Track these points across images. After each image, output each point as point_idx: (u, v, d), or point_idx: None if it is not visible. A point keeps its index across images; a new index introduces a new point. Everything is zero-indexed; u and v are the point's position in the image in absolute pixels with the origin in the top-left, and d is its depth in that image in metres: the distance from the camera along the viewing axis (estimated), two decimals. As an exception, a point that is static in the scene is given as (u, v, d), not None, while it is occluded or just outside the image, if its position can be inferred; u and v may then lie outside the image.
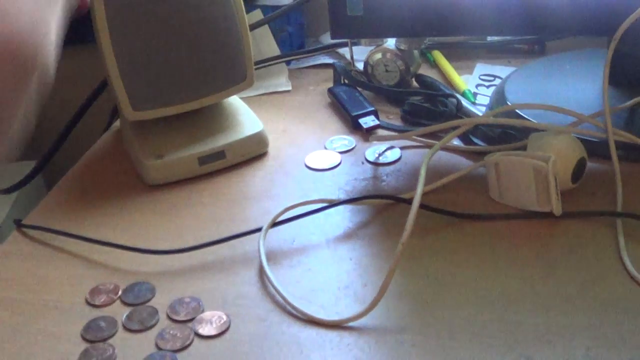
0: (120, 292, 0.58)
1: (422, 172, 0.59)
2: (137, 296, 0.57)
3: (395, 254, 0.53)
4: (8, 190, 0.85)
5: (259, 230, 0.61)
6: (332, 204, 0.62)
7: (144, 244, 0.62)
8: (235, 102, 0.77)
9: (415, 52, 0.84)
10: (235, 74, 0.71)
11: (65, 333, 0.55)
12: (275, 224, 0.62)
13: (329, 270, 0.58)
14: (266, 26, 0.88)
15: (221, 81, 0.71)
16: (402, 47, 0.82)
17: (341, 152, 0.74)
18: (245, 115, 0.75)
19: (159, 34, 0.67)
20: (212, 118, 0.74)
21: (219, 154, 0.71)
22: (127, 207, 0.69)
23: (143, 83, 0.68)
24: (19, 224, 0.68)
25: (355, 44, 0.86)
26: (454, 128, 0.68)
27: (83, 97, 0.85)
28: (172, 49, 0.68)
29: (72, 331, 0.55)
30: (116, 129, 0.83)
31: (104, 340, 0.54)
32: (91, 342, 0.54)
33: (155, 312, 0.55)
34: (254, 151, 0.73)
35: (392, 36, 0.81)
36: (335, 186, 0.68)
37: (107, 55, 0.66)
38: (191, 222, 0.65)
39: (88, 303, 0.57)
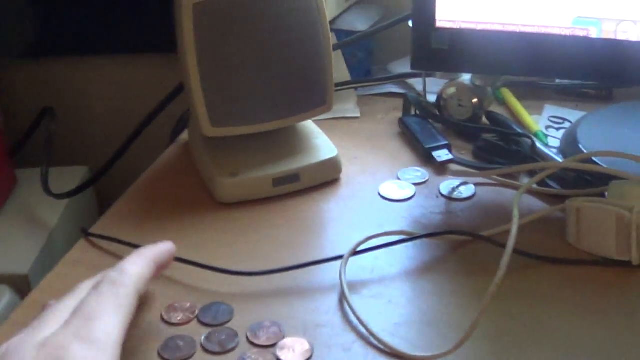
0: (197, 312, 0.57)
1: (516, 213, 0.58)
2: (215, 317, 0.56)
3: (487, 294, 0.52)
4: (62, 196, 0.84)
5: (339, 257, 0.60)
6: (414, 236, 0.61)
7: (217, 263, 0.61)
8: (310, 125, 0.76)
9: (489, 89, 0.83)
10: (316, 97, 0.71)
11: (141, 351, 0.54)
12: (355, 252, 0.60)
13: (411, 303, 0.57)
14: (339, 51, 0.87)
15: (302, 104, 0.70)
16: (477, 83, 0.82)
17: (414, 184, 0.72)
18: (319, 139, 0.74)
19: (245, 51, 0.67)
20: (287, 140, 0.73)
21: (294, 177, 0.70)
22: (197, 224, 0.68)
23: (224, 99, 0.68)
24: (87, 233, 0.66)
25: (429, 75, 0.84)
26: (533, 170, 0.68)
27: (141, 107, 0.85)
28: (257, 68, 0.68)
29: (149, 349, 0.54)
30: (183, 142, 0.81)
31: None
32: (169, 360, 0.51)
33: (234, 334, 0.54)
34: (327, 176, 0.73)
35: (474, 72, 0.80)
36: (410, 218, 0.67)
37: (191, 69, 0.66)
38: (265, 244, 0.64)
39: (164, 321, 0.56)
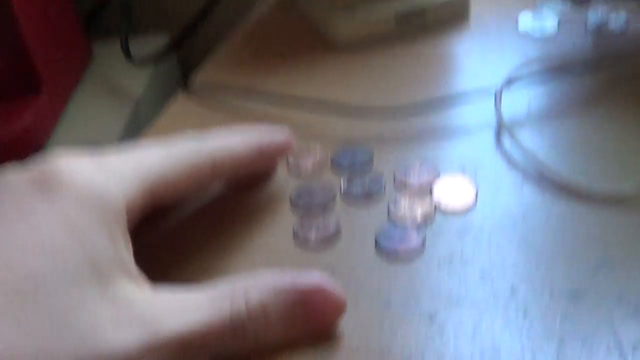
0: (330, 157, 0.47)
1: None
2: (353, 162, 0.47)
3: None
4: (144, 61, 0.75)
5: (491, 90, 0.50)
6: (576, 69, 0.50)
7: (348, 102, 0.52)
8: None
9: None
10: None
11: (270, 202, 0.45)
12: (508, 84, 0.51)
13: (585, 136, 0.48)
14: None
15: None
16: None
17: (558, 17, 0.61)
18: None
19: None
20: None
21: (419, 13, 0.59)
22: (313, 67, 0.59)
23: None
24: (186, 83, 0.57)
25: None
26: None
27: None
28: None
29: (280, 199, 0.45)
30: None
31: (322, 209, 0.44)
32: (306, 210, 0.43)
33: (380, 178, 0.45)
34: (455, 14, 0.62)
35: None
36: (561, 54, 0.56)
37: None
38: (396, 82, 0.55)
39: (292, 171, 0.47)
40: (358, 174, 0.46)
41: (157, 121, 0.55)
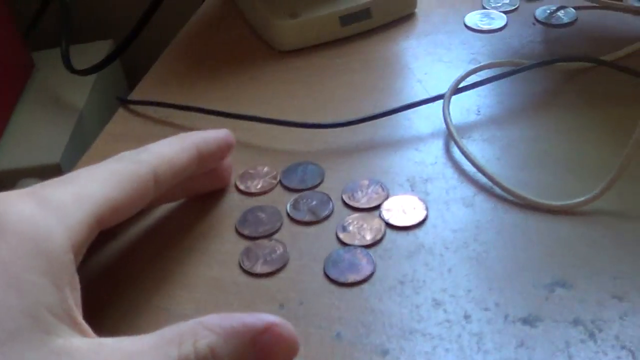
0: (278, 176, 0.45)
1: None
2: (302, 180, 0.45)
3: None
4: (86, 72, 0.73)
5: (439, 97, 0.48)
6: (525, 66, 0.49)
7: (290, 118, 0.50)
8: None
9: None
10: None
11: (215, 228, 0.43)
12: (456, 90, 0.50)
13: (534, 145, 0.46)
14: None
15: None
16: None
17: (504, 12, 0.60)
18: (387, -33, 0.61)
19: None
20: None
21: (364, 12, 0.59)
22: (257, 77, 0.56)
23: None
24: (125, 100, 0.55)
25: None
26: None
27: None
28: None
29: (225, 225, 0.43)
30: (222, -8, 0.69)
31: (269, 235, 0.41)
32: (252, 238, 0.41)
33: (327, 198, 0.43)
34: (401, 10, 0.61)
35: None
36: (508, 50, 0.56)
37: None
38: (342, 92, 0.53)
39: (240, 191, 0.46)
40: (306, 195, 0.45)
41: (98, 139, 0.53)
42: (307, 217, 0.43)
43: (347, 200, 0.43)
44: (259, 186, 0.45)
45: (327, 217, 0.43)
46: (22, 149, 0.76)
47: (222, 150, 0.43)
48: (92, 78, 0.80)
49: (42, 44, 0.89)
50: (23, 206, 0.32)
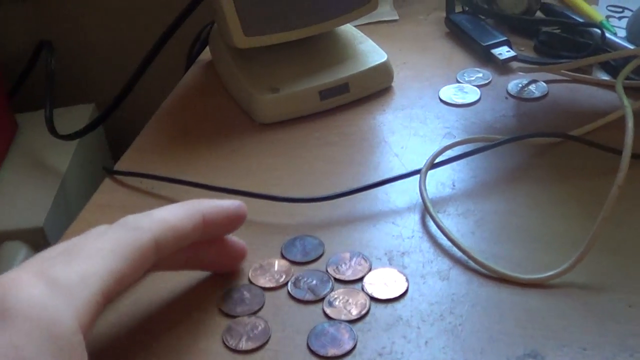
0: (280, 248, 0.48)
1: (627, 103, 0.49)
2: (301, 252, 0.48)
3: (609, 198, 0.42)
4: (70, 137, 0.75)
5: (415, 172, 0.51)
6: (498, 142, 0.52)
7: (270, 191, 0.52)
8: (351, 29, 0.66)
9: (542, -24, 0.73)
10: (359, -7, 0.60)
11: (196, 303, 0.45)
12: (432, 165, 0.52)
13: (507, 218, 0.49)
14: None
15: (344, 3, 0.61)
16: (530, -30, 0.71)
17: (478, 86, 0.63)
18: (365, 44, 0.65)
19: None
20: (330, 47, 0.64)
21: (342, 87, 0.61)
22: (238, 150, 0.59)
23: (257, 4, 0.58)
24: (111, 171, 0.57)
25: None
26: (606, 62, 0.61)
27: (145, 33, 0.75)
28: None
29: (207, 301, 0.45)
30: (205, 62, 0.71)
31: (252, 314, 0.43)
32: (234, 317, 0.43)
33: (327, 278, 0.46)
34: (379, 84, 0.64)
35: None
36: (482, 124, 0.58)
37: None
38: (321, 165, 0.56)
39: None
40: (306, 274, 0.46)
41: (85, 210, 0.54)
42: (307, 297, 0.44)
43: (332, 273, 0.45)
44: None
45: (316, 293, 0.44)
46: (5, 211, 0.77)
47: (231, 222, 0.44)
48: (75, 141, 0.82)
49: (26, 105, 0.91)
50: (33, 290, 0.33)
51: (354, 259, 0.45)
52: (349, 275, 0.45)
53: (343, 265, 0.45)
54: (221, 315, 0.43)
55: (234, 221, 0.44)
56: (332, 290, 0.44)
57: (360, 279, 0.44)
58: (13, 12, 0.99)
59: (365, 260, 0.46)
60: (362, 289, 0.43)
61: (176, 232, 0.40)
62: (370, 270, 0.45)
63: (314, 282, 0.45)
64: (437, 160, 0.52)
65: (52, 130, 0.75)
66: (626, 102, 0.48)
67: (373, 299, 0.43)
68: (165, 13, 0.72)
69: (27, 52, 0.90)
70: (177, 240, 0.40)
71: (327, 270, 0.45)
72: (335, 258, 0.46)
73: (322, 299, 0.43)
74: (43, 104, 0.77)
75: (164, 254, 0.39)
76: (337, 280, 0.45)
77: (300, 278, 0.45)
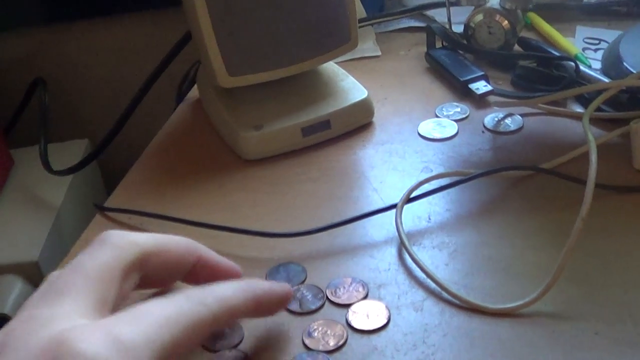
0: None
1: (591, 138, 0.51)
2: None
3: (573, 230, 0.44)
4: (64, 172, 0.77)
5: (392, 207, 0.53)
6: (471, 176, 0.54)
7: (250, 226, 0.55)
8: (333, 67, 0.69)
9: (519, 12, 0.75)
10: (338, 34, 0.64)
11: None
12: (408, 200, 0.54)
13: (480, 250, 0.51)
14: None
15: (324, 43, 0.64)
16: (507, 7, 0.74)
17: (455, 121, 0.65)
18: (346, 81, 0.67)
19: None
20: (312, 84, 0.66)
21: (324, 124, 0.63)
22: (224, 185, 0.61)
23: (240, 45, 0.61)
24: (102, 208, 0.59)
25: (453, 4, 0.77)
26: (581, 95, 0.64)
27: (136, 70, 0.77)
28: (271, 7, 0.60)
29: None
30: (193, 100, 0.74)
31: (233, 347, 0.45)
32: (215, 351, 0.45)
33: (322, 295, 0.48)
34: (360, 120, 0.66)
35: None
36: (458, 157, 0.60)
37: (201, 16, 0.59)
38: (303, 200, 0.58)
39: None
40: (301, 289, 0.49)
41: (75, 246, 0.56)
42: (293, 307, 0.47)
43: (329, 295, 0.48)
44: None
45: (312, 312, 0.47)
46: (0, 245, 0.79)
47: (280, 303, 0.45)
48: (69, 176, 0.84)
49: (21, 141, 0.93)
50: (98, 349, 0.34)
51: (353, 285, 0.48)
52: (343, 299, 0.47)
53: (341, 289, 0.48)
54: (202, 349, 0.45)
55: (283, 303, 0.45)
56: (321, 307, 0.47)
57: (349, 305, 0.47)
58: (7, 50, 1.01)
59: (364, 288, 0.48)
60: (345, 316, 0.46)
61: (232, 314, 0.41)
62: (365, 298, 0.47)
63: (309, 296, 0.47)
64: (413, 195, 0.54)
65: (47, 166, 0.77)
66: (590, 136, 0.51)
67: (352, 328, 0.45)
68: (155, 53, 0.75)
69: (21, 89, 0.93)
70: (231, 319, 0.43)
71: (324, 290, 0.48)
72: (337, 281, 0.49)
73: (307, 313, 0.47)
74: (38, 140, 0.79)
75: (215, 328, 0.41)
76: (330, 301, 0.47)
77: (297, 290, 0.48)
